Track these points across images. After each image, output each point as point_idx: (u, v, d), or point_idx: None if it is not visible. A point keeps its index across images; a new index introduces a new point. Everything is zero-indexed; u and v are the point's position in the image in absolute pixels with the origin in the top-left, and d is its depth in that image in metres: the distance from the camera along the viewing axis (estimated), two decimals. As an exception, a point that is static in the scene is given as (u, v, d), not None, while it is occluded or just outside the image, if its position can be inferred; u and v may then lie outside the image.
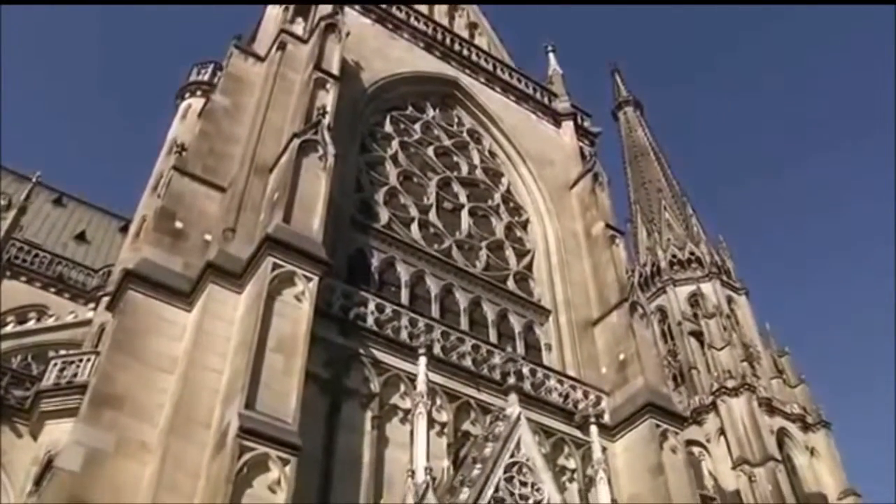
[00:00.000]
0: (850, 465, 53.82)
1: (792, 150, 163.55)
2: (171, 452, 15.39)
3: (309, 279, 17.67)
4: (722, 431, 52.27)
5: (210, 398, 16.34)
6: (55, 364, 23.67)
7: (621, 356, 23.67)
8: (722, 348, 56.25)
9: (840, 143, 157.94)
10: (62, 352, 25.52)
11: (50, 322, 32.30)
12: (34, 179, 41.39)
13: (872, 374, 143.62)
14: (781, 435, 52.98)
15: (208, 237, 19.79)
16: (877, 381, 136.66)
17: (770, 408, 53.51)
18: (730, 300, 63.08)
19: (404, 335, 20.39)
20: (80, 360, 23.70)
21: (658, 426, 21.83)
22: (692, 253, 65.81)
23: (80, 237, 45.72)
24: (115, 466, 15.39)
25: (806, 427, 54.44)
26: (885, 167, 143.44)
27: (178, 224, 19.83)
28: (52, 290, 37.87)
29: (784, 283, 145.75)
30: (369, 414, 18.60)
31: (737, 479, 48.85)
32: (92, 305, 33.32)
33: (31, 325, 31.97)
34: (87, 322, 30.78)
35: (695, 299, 62.28)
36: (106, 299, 24.76)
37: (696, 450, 48.39)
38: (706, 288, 62.60)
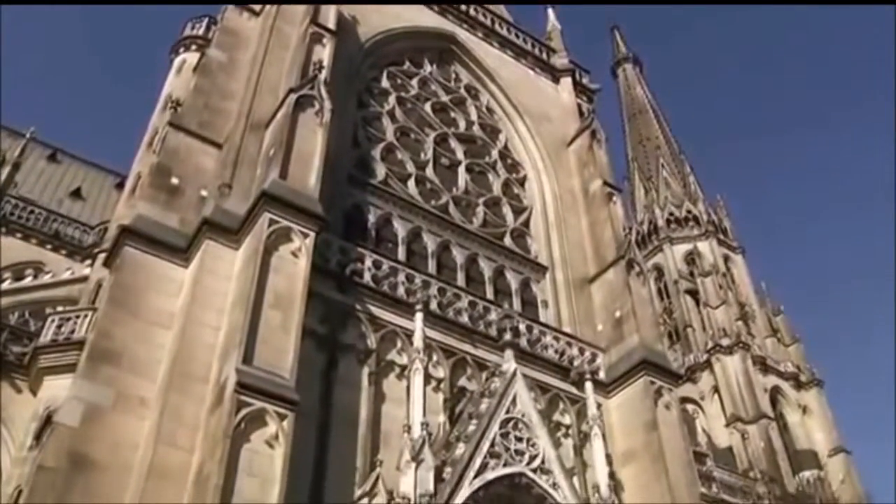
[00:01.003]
0: (841, 424, 54.48)
1: (792, 109, 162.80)
2: (169, 407, 15.49)
3: (305, 235, 17.63)
4: (716, 389, 52.81)
5: (207, 354, 16.40)
6: (53, 320, 23.70)
7: (617, 313, 23.73)
8: (717, 307, 56.59)
9: (840, 103, 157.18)
10: (59, 308, 25.51)
11: (47, 279, 32.24)
12: (28, 135, 41.08)
13: (868, 334, 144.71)
14: (775, 393, 53.55)
15: (204, 193, 19.69)
16: (872, 341, 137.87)
17: (764, 366, 54.01)
18: (726, 259, 63.29)
19: (401, 291, 20.41)
20: (78, 317, 23.73)
21: (653, 383, 21.94)
22: (689, 211, 65.88)
23: (76, 194, 45.46)
24: (114, 421, 15.48)
25: (799, 385, 54.99)
26: (884, 128, 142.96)
27: (174, 180, 19.71)
28: (49, 246, 37.74)
29: (781, 243, 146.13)
30: (366, 370, 18.68)
31: (730, 436, 49.46)
32: (88, 262, 33.24)
33: (28, 281, 31.91)
34: (84, 279, 30.75)
35: (691, 258, 62.48)
36: (102, 256, 24.72)
37: (689, 407, 49.03)
38: (703, 246, 62.76)
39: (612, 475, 19.68)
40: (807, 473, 47.94)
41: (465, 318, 21.12)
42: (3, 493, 20.18)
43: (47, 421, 19.92)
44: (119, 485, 14.77)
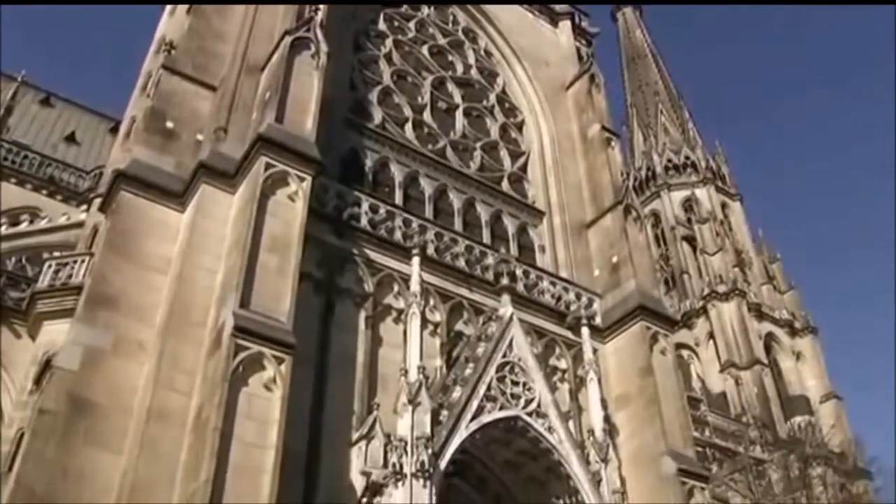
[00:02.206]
0: (834, 371, 55.03)
1: (793, 55, 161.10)
2: (167, 351, 15.58)
3: (302, 179, 17.53)
4: (711, 335, 53.24)
5: (205, 298, 16.43)
6: (49, 266, 23.62)
7: (614, 259, 23.78)
8: (714, 253, 56.72)
9: (839, 46, 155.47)
10: (56, 254, 25.42)
11: (43, 224, 32.04)
12: (19, 79, 40.55)
13: (864, 282, 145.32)
14: (769, 339, 53.99)
15: (200, 137, 19.53)
16: (868, 289, 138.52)
17: (759, 313, 54.35)
18: (724, 206, 63.25)
19: (398, 235, 20.41)
20: (75, 262, 23.65)
21: (648, 328, 22.10)
22: (688, 157, 65.61)
23: (70, 138, 44.98)
24: (113, 365, 15.58)
25: (793, 332, 55.40)
26: (885, 72, 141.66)
27: (169, 124, 19.53)
28: (44, 192, 37.50)
29: (779, 189, 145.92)
30: (363, 314, 18.77)
31: (723, 382, 50.03)
32: (84, 207, 33.03)
33: (24, 227, 31.75)
34: (80, 224, 30.56)
35: (689, 204, 62.43)
36: (98, 201, 24.57)
37: (685, 353, 49.55)
38: (700, 193, 62.68)
39: (606, 419, 19.96)
40: (798, 419, 48.52)
41: (462, 263, 21.16)
42: (5, 436, 20.33)
43: (46, 365, 19.98)
44: (119, 428, 14.94)
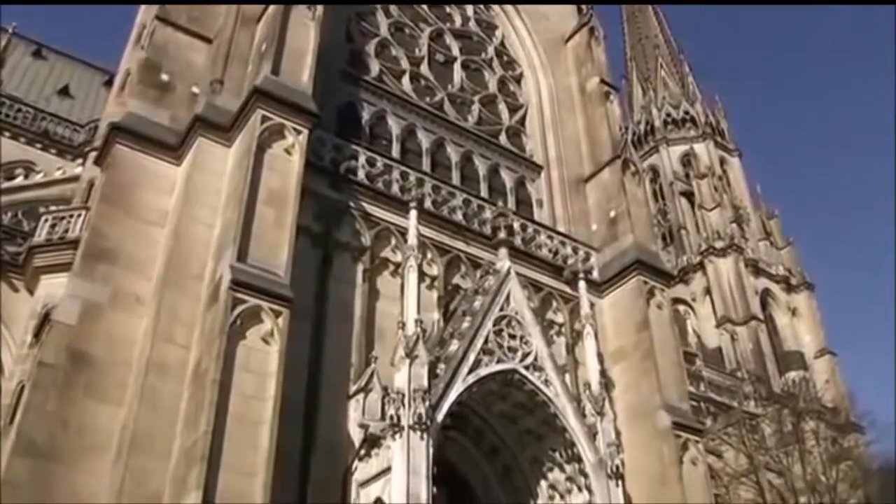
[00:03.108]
0: (829, 326, 55.25)
1: (792, 9, 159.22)
2: (165, 305, 15.61)
3: (299, 132, 17.42)
4: (708, 291, 53.39)
5: (202, 251, 16.43)
6: (46, 220, 23.56)
7: (612, 213, 23.75)
8: (712, 209, 56.62)
9: (841, 3, 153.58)
10: (52, 208, 25.34)
11: (38, 178, 31.89)
12: (10, 30, 40.00)
13: (862, 239, 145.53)
14: (765, 295, 54.14)
15: (195, 90, 19.38)
16: (866, 246, 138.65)
17: (756, 269, 54.43)
18: (722, 161, 62.98)
19: (395, 189, 20.34)
20: (71, 216, 23.57)
21: (645, 283, 22.15)
22: (687, 112, 65.15)
23: (64, 91, 44.47)
24: (112, 319, 15.66)
25: (790, 288, 55.52)
26: (886, 26, 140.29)
27: (164, 76, 19.36)
28: (38, 146, 37.20)
29: (778, 146, 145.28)
30: (360, 267, 18.79)
31: (719, 337, 50.30)
32: (79, 161, 32.84)
33: (19, 181, 31.60)
34: (76, 178, 30.41)
35: (687, 159, 62.19)
36: (93, 154, 24.39)
37: (681, 308, 49.70)
38: (699, 148, 62.36)
39: (603, 373, 20.04)
40: (793, 374, 48.81)
41: (459, 216, 21.13)
42: (6, 389, 20.46)
43: (45, 318, 20.02)
44: (119, 380, 15.06)
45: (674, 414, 20.13)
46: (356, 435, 16.28)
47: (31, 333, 21.87)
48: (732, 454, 32.15)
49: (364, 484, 15.91)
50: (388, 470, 15.31)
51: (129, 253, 16.53)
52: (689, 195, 60.09)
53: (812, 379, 47.92)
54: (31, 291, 23.13)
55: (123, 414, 14.69)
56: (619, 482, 17.88)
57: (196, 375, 14.59)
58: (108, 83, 39.83)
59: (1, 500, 13.10)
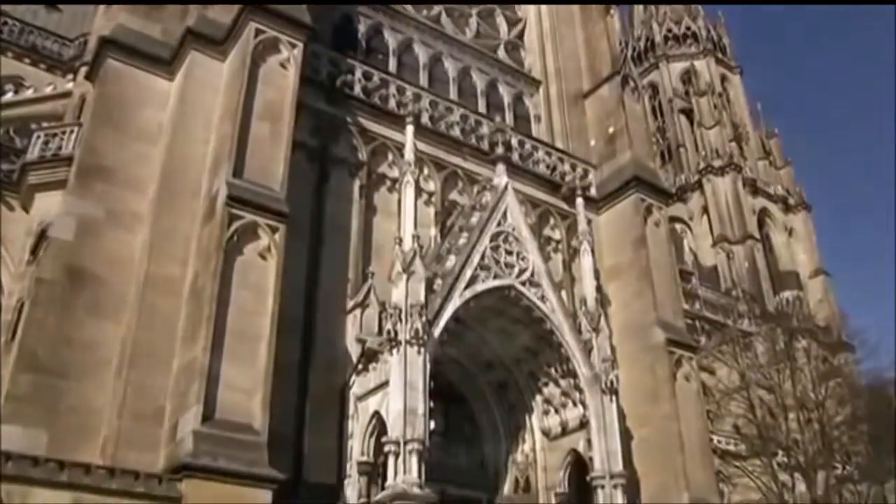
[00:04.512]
0: (825, 247, 55.38)
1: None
2: (161, 221, 15.58)
3: (294, 45, 17.08)
4: (705, 209, 53.30)
5: (197, 167, 16.29)
6: (38, 136, 23.20)
7: (610, 129, 23.54)
8: (711, 127, 56.05)
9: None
10: (45, 124, 24.97)
11: (29, 94, 31.31)
12: (-8, -60, 38.70)
13: (862, 159, 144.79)
14: (762, 215, 54.09)
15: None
16: (865, 166, 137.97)
17: (754, 188, 54.25)
18: (723, 78, 62.06)
19: (392, 104, 20.09)
20: (64, 133, 23.23)
21: (643, 200, 22.12)
22: (688, 28, 63.84)
23: (51, 4, 43.40)
24: (108, 235, 15.61)
25: (787, 208, 55.43)
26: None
27: (155, -13, 18.83)
28: (27, 60, 36.35)
29: (780, 64, 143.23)
30: (357, 182, 18.71)
31: (715, 256, 50.43)
32: (70, 76, 32.26)
33: (9, 97, 31.06)
34: (68, 94, 29.89)
35: (687, 76, 61.24)
36: (84, 69, 23.95)
37: (678, 226, 49.65)
38: (700, 65, 61.36)
39: (599, 289, 20.13)
40: (787, 293, 49.22)
41: (456, 132, 20.94)
42: (6, 306, 20.53)
43: (42, 235, 19.95)
44: (118, 297, 15.10)
45: (668, 331, 20.34)
46: (354, 350, 16.47)
47: (28, 250, 21.84)
48: (725, 371, 32.59)
49: (362, 398, 16.17)
50: (385, 384, 15.53)
51: (123, 169, 16.37)
52: (688, 113, 59.41)
53: (806, 299, 48.31)
54: (26, 209, 22.98)
55: (123, 330, 14.77)
56: (614, 397, 18.16)
57: (193, 291, 14.65)
58: (97, -5, 38.81)
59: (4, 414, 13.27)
